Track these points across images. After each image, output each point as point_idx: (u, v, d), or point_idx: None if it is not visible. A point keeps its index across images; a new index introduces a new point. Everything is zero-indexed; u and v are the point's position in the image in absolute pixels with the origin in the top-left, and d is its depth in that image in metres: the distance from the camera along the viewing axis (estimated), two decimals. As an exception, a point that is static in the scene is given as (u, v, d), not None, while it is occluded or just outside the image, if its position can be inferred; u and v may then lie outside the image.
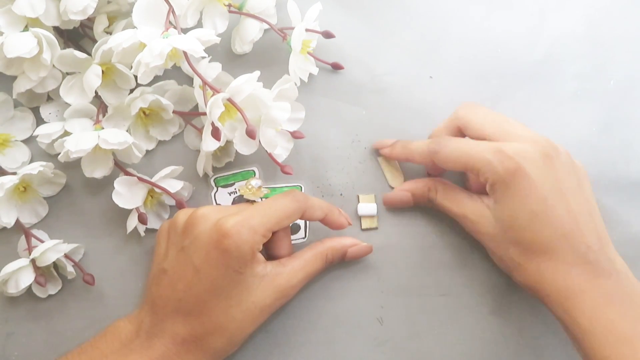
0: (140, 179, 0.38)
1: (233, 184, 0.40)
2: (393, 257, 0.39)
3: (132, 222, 0.38)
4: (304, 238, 0.40)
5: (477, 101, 0.42)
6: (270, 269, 0.35)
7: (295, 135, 0.39)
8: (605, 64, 0.43)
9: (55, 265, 0.38)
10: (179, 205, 0.38)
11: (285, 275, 0.35)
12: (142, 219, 0.37)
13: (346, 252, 0.38)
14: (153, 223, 0.39)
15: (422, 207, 0.40)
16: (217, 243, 0.32)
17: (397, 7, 0.44)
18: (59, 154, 0.36)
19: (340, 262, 0.38)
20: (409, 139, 0.41)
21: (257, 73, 0.35)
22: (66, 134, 0.37)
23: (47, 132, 0.37)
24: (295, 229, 0.40)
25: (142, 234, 0.38)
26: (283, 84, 0.37)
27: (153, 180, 0.38)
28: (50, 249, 0.36)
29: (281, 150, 0.39)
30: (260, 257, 0.34)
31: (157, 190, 0.38)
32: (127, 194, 0.37)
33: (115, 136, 0.35)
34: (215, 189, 0.40)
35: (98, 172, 0.37)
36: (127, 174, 0.38)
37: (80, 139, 0.35)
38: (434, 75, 0.43)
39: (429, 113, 0.42)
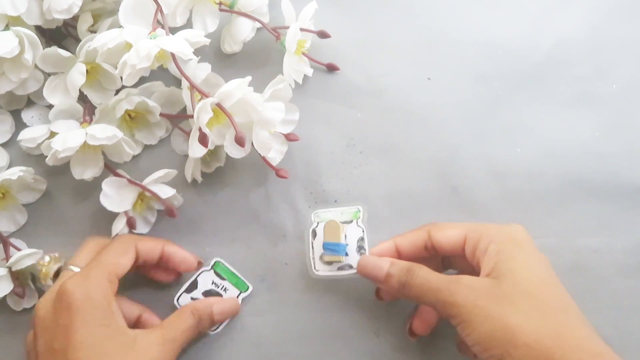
0: (130, 180, 0.38)
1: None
2: (390, 266, 0.41)
3: (118, 226, 0.38)
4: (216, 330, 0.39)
5: (477, 103, 0.44)
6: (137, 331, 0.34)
7: (289, 137, 0.40)
8: (608, 67, 0.45)
9: (33, 277, 0.39)
10: (169, 213, 0.39)
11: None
12: (130, 223, 0.38)
13: (212, 311, 0.37)
14: (141, 228, 0.40)
15: (419, 213, 0.41)
16: (59, 305, 0.31)
17: (395, 7, 0.46)
18: (40, 158, 0.37)
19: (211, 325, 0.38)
20: (405, 142, 0.43)
21: (248, 78, 0.36)
22: (52, 136, 0.38)
23: (31, 136, 0.38)
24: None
25: None
26: (277, 84, 0.38)
27: (144, 183, 0.38)
28: (28, 256, 0.37)
29: (275, 154, 0.40)
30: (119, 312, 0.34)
31: (147, 194, 0.39)
32: (115, 197, 0.38)
33: (103, 131, 0.36)
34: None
35: (88, 172, 0.38)
36: (117, 175, 0.39)
37: (68, 137, 0.35)
38: (432, 76, 0.44)
39: (427, 116, 0.43)
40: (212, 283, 0.39)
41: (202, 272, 0.39)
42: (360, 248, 0.38)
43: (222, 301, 0.38)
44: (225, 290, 0.39)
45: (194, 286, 0.39)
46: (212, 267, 0.40)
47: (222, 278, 0.39)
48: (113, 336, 0.32)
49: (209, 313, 0.37)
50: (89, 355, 0.31)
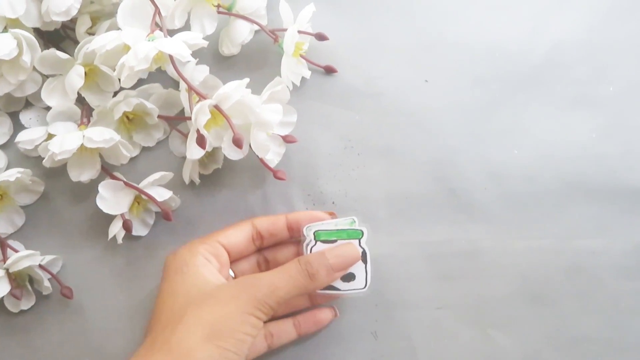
0: (126, 183, 0.39)
1: (335, 240, 0.37)
2: (387, 268, 0.41)
3: (115, 229, 0.39)
4: (363, 288, 0.37)
5: (475, 105, 0.44)
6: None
7: (287, 139, 0.41)
8: (605, 69, 0.45)
9: (30, 279, 0.40)
10: (165, 216, 0.40)
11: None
12: (126, 226, 0.39)
13: (325, 255, 0.35)
14: (138, 230, 0.41)
15: (418, 215, 0.42)
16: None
17: (392, 9, 0.47)
18: (38, 160, 0.37)
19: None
20: (403, 144, 0.43)
21: (246, 80, 0.37)
22: (49, 138, 0.39)
23: (29, 137, 0.38)
24: (348, 276, 0.37)
25: (120, 241, 0.40)
26: (274, 86, 0.39)
27: (140, 186, 0.39)
28: (25, 257, 0.38)
29: (273, 155, 0.40)
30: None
31: (143, 196, 0.39)
32: (112, 199, 0.38)
33: (101, 134, 0.37)
34: (313, 242, 0.37)
35: (85, 175, 0.39)
36: (114, 178, 0.40)
37: (65, 139, 0.36)
38: (430, 79, 0.45)
39: (424, 118, 0.44)
40: None
41: (310, 248, 0.36)
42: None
43: (335, 247, 0.36)
44: None
45: None
46: (315, 240, 0.37)
47: (332, 242, 0.37)
48: (188, 282, 0.34)
49: (322, 257, 0.34)
50: (163, 298, 0.34)
